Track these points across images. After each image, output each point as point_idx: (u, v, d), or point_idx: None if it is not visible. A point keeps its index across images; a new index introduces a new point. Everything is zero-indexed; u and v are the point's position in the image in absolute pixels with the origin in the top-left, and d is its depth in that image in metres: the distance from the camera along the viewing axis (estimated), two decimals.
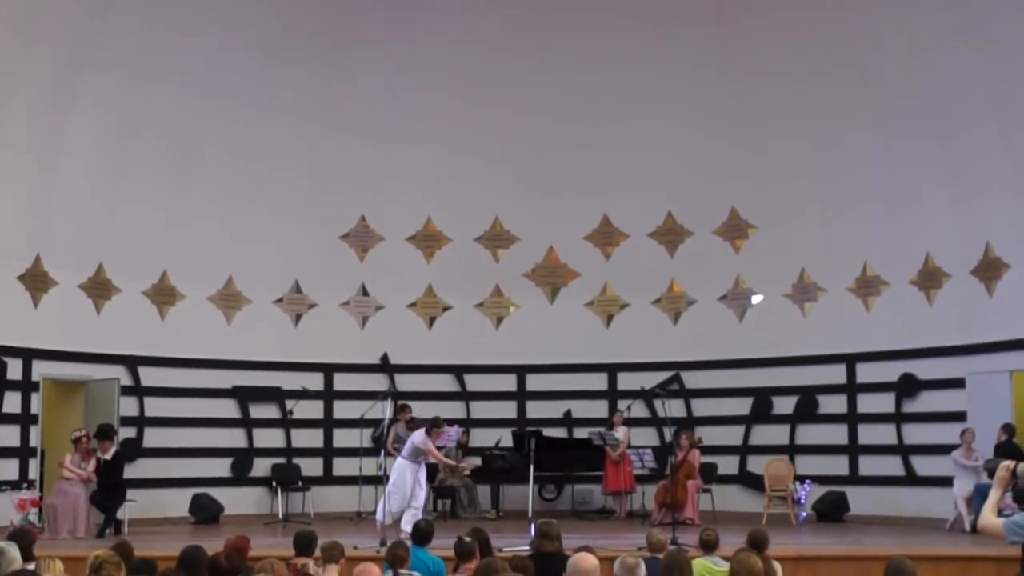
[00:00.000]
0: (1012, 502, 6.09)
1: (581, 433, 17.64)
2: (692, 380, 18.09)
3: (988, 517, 5.74)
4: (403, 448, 13.96)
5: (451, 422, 16.99)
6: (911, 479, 16.37)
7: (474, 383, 18.55)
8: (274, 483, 17.24)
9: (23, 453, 15.44)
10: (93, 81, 15.79)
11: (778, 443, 17.45)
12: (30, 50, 15.08)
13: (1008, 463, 5.90)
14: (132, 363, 16.66)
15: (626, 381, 18.23)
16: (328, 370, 18.14)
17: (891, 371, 16.66)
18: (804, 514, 16.11)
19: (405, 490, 13.37)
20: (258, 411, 17.72)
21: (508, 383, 18.52)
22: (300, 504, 17.35)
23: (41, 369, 15.69)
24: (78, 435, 14.95)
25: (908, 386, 16.56)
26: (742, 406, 17.84)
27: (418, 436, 13.71)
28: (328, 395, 18.16)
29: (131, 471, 15.72)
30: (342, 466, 17.57)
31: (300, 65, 17.35)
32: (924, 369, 16.37)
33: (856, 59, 16.56)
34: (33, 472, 15.47)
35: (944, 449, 15.09)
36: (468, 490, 17.51)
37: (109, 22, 15.68)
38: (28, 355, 15.54)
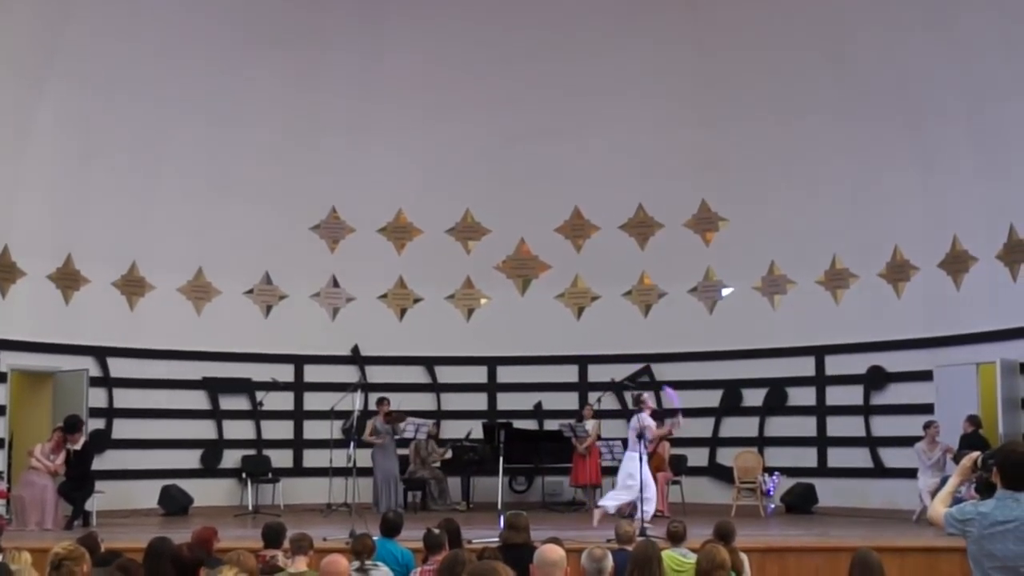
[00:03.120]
0: (974, 492, 6.05)
1: (552, 425, 17.67)
2: (662, 372, 18.12)
3: (935, 507, 5.54)
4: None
5: (421, 414, 17.02)
6: (879, 471, 16.50)
7: (445, 375, 18.55)
8: (244, 475, 17.17)
9: None
10: (61, 70, 15.66)
11: (747, 435, 17.56)
12: None
13: (973, 454, 5.84)
14: (101, 354, 16.57)
15: (597, 373, 18.28)
16: (298, 361, 18.11)
17: (859, 363, 16.79)
18: (772, 506, 16.16)
19: (636, 479, 13.32)
20: (228, 402, 17.66)
21: (479, 375, 18.54)
22: (270, 496, 17.30)
23: (9, 360, 15.58)
24: (59, 427, 14.83)
25: (876, 378, 16.69)
26: (712, 398, 17.90)
27: (635, 419, 13.71)
28: (298, 386, 18.12)
29: (100, 462, 15.63)
30: (312, 458, 17.52)
31: (270, 56, 17.28)
32: (892, 361, 16.52)
33: (826, 50, 16.65)
34: (1, 463, 15.36)
35: (911, 441, 15.16)
36: (438, 482, 17.50)
37: (78, 8, 15.57)
38: None
